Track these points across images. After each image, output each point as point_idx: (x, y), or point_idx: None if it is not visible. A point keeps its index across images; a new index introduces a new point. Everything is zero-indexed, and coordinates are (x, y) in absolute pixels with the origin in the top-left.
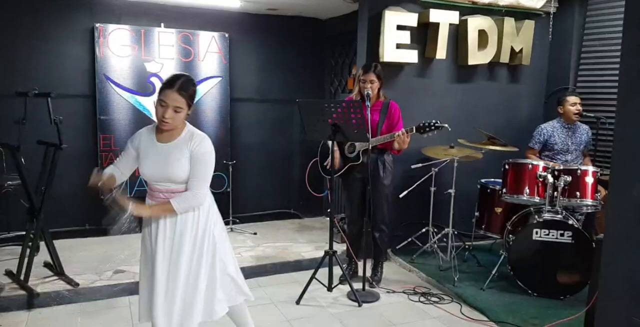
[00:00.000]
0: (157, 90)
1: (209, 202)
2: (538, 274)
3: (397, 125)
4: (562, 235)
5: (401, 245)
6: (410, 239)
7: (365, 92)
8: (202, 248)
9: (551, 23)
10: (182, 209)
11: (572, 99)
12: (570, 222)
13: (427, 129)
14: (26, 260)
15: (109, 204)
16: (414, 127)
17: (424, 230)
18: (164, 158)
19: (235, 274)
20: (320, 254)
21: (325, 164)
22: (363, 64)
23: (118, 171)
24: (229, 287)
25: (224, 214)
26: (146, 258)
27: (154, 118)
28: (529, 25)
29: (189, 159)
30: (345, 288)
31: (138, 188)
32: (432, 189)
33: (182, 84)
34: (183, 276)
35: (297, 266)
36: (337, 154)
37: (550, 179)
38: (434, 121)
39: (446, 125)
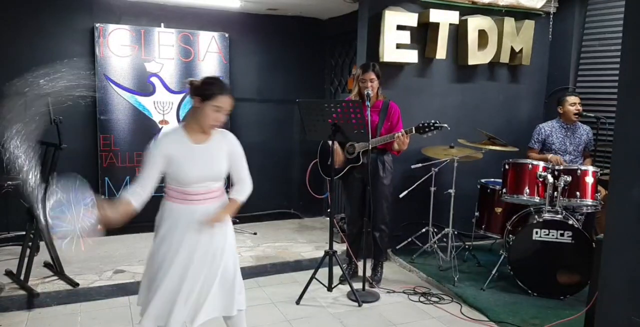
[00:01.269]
0: (209, 95)
1: None
2: (538, 274)
3: (397, 125)
4: (562, 235)
5: (401, 245)
6: (410, 239)
7: (366, 92)
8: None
9: (551, 23)
10: (244, 200)
11: (571, 99)
12: (570, 222)
13: (427, 129)
14: (26, 260)
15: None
16: (414, 128)
17: (424, 230)
18: (209, 158)
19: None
20: (320, 254)
21: (329, 163)
22: (362, 64)
23: (141, 190)
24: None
25: None
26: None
27: (154, 118)
28: (529, 25)
29: (226, 156)
30: (345, 288)
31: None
32: (432, 189)
33: (230, 88)
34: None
35: (297, 266)
36: (339, 150)
37: (550, 179)
38: (433, 121)
39: (445, 125)
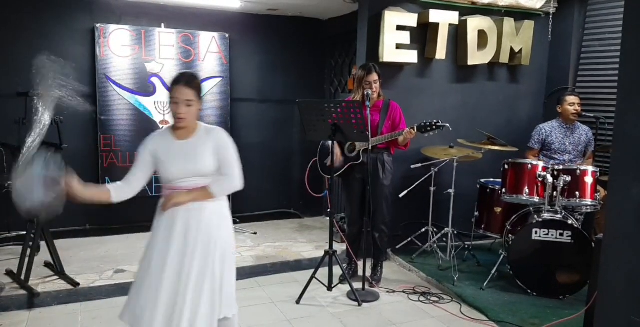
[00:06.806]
0: (169, 89)
1: (226, 204)
2: (537, 273)
3: (400, 124)
4: (561, 235)
5: (401, 245)
6: (410, 239)
7: (365, 92)
8: (216, 251)
9: (551, 23)
10: (219, 192)
11: (570, 98)
12: (570, 222)
13: (429, 128)
14: (27, 260)
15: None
16: (415, 127)
17: (423, 230)
18: (191, 153)
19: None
20: (320, 253)
21: (325, 162)
22: (362, 65)
23: (123, 184)
24: (230, 297)
25: None
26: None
27: (155, 118)
28: (529, 25)
29: (212, 151)
30: (345, 288)
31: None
32: (432, 189)
33: (188, 78)
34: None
35: (297, 265)
36: (337, 151)
37: (550, 179)
38: (435, 121)
39: (447, 125)
